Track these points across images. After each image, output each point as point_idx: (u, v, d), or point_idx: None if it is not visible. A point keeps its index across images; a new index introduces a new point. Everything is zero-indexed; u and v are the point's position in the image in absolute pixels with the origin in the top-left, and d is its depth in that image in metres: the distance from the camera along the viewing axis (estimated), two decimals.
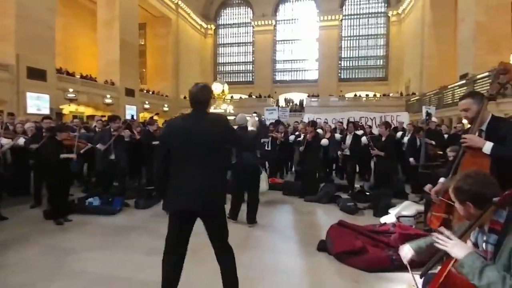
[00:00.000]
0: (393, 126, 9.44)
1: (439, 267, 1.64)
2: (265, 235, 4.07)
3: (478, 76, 11.87)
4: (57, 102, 15.89)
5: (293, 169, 8.60)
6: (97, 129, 6.95)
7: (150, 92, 25.64)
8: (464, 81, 13.62)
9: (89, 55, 22.89)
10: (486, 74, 11.17)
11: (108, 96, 19.38)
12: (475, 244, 1.59)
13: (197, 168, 2.07)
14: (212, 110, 16.23)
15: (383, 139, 5.76)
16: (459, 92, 13.52)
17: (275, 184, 6.90)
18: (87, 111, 19.51)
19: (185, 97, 29.41)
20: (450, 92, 14.52)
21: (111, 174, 5.50)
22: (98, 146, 5.28)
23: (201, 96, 2.21)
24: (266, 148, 7.68)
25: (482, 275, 1.34)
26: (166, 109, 25.75)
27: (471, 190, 1.52)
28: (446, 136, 7.20)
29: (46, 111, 14.11)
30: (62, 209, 4.45)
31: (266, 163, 7.72)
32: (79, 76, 19.26)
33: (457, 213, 1.80)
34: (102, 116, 10.58)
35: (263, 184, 5.71)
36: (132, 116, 18.66)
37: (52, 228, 4.14)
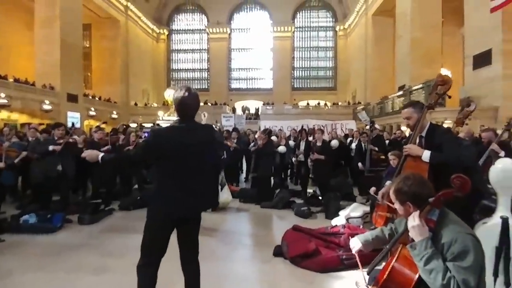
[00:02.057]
0: (343, 133, 10.14)
1: (384, 264, 1.78)
2: (221, 244, 4.02)
3: (414, 88, 13.18)
4: None
5: (249, 176, 8.68)
6: (30, 139, 6.23)
7: (96, 98, 24.02)
8: (402, 92, 15.02)
9: (24, 56, 20.80)
10: (421, 86, 12.46)
11: (47, 102, 17.72)
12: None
13: (192, 177, 2.08)
14: (166, 117, 15.74)
15: (318, 144, 6.12)
16: (398, 102, 14.85)
17: (231, 191, 6.90)
18: (21, 118, 17.56)
19: (136, 104, 28.15)
20: (391, 102, 15.91)
21: (51, 187, 5.00)
22: (51, 147, 4.76)
23: (197, 106, 2.17)
24: (223, 156, 7.66)
25: (429, 262, 1.48)
26: (114, 116, 24.31)
27: (410, 191, 1.67)
28: (387, 142, 7.85)
29: None
30: None
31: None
32: (12, 80, 17.36)
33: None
34: (40, 124, 9.60)
35: (225, 195, 5.68)
36: (73, 123, 17.35)
37: None
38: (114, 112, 24.79)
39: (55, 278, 3.01)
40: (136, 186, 6.87)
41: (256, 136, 8.38)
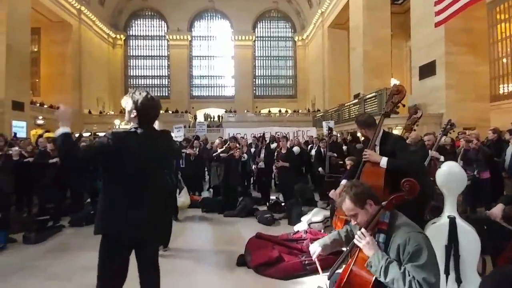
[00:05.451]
0: (304, 140, 10.41)
1: (344, 266, 1.82)
2: (184, 256, 3.87)
3: (368, 96, 13.98)
4: None
5: (211, 185, 8.54)
6: None
7: (45, 106, 22.24)
8: (356, 100, 15.85)
9: None
10: (374, 94, 13.23)
11: None
12: None
13: (145, 189, 1.91)
14: (123, 126, 15.02)
15: (283, 151, 6.23)
16: (354, 110, 15.62)
17: (194, 201, 6.72)
18: None
19: (90, 112, 26.55)
20: (347, 109, 16.68)
21: None
22: None
23: (159, 111, 2.07)
24: (181, 165, 7.45)
25: (387, 273, 1.53)
26: None
27: (365, 190, 1.76)
28: (345, 148, 8.19)
29: None
30: None
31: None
32: None
33: None
34: None
35: (182, 198, 5.46)
36: (15, 134, 16.01)
37: None
38: None
39: None
40: (88, 199, 6.42)
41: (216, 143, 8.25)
